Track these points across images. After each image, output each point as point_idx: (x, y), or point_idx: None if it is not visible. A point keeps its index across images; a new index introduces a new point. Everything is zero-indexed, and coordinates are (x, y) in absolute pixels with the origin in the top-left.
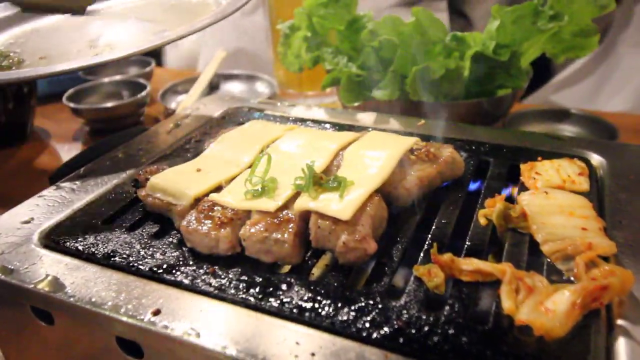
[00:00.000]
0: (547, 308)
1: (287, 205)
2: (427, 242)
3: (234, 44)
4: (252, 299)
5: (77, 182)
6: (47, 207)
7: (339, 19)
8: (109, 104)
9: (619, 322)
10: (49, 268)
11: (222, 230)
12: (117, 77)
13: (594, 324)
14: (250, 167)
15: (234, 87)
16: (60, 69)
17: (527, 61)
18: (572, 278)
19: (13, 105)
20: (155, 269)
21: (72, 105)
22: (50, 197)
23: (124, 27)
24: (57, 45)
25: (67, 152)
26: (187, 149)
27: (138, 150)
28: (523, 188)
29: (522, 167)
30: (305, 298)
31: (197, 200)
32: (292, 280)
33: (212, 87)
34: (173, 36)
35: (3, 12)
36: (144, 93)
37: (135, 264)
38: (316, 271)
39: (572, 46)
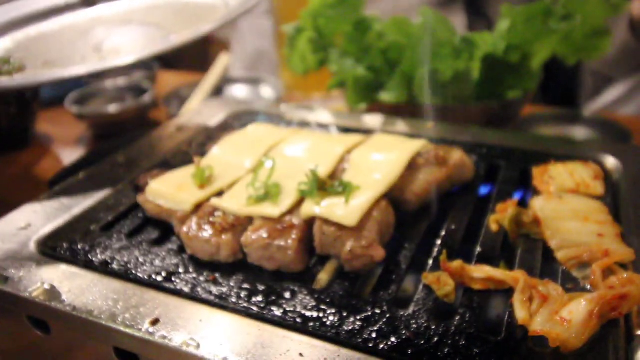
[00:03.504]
0: (562, 318)
1: (290, 211)
2: (436, 249)
3: (240, 46)
4: (254, 308)
5: (76, 187)
6: (45, 213)
7: (346, 20)
8: (112, 109)
9: (639, 332)
10: (45, 276)
11: (224, 236)
12: (121, 81)
13: (612, 334)
14: (253, 171)
15: (238, 90)
16: (64, 74)
17: (538, 62)
18: (588, 286)
19: (15, 110)
20: (154, 276)
21: (74, 109)
22: (49, 202)
23: (128, 32)
24: (61, 51)
25: (70, 156)
26: (189, 152)
27: (139, 154)
28: (535, 192)
29: (535, 170)
30: (310, 307)
31: (198, 206)
32: (296, 288)
33: (217, 91)
34: (179, 41)
35: (6, 14)
36: (147, 97)
37: (134, 272)
38: (321, 278)
39: (584, 47)
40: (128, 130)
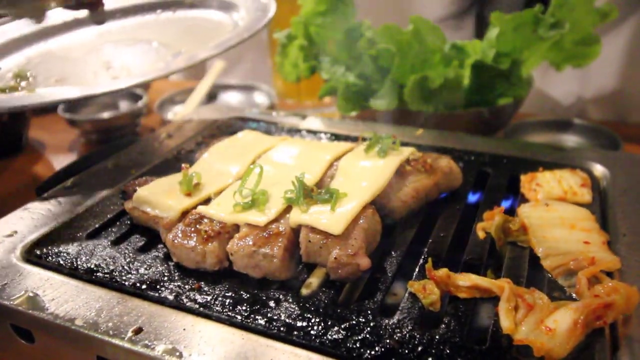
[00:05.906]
0: (547, 327)
1: (277, 218)
2: (422, 257)
3: (234, 54)
4: (238, 316)
5: (64, 194)
6: (31, 220)
7: (337, 27)
8: (105, 115)
9: (624, 341)
10: (29, 284)
11: (209, 244)
12: None
13: (597, 343)
14: (240, 178)
15: (232, 97)
16: (82, 93)
17: (528, 70)
18: (574, 295)
19: (8, 117)
20: (138, 284)
21: (67, 116)
22: (36, 209)
23: (139, 50)
24: (72, 68)
25: (62, 163)
26: (179, 159)
27: (128, 161)
28: (523, 200)
29: (523, 178)
30: (294, 316)
31: (185, 213)
32: (281, 296)
33: (210, 98)
34: (188, 63)
35: (18, 30)
36: (140, 104)
37: (118, 280)
38: (308, 286)
39: (574, 55)
40: (121, 137)
